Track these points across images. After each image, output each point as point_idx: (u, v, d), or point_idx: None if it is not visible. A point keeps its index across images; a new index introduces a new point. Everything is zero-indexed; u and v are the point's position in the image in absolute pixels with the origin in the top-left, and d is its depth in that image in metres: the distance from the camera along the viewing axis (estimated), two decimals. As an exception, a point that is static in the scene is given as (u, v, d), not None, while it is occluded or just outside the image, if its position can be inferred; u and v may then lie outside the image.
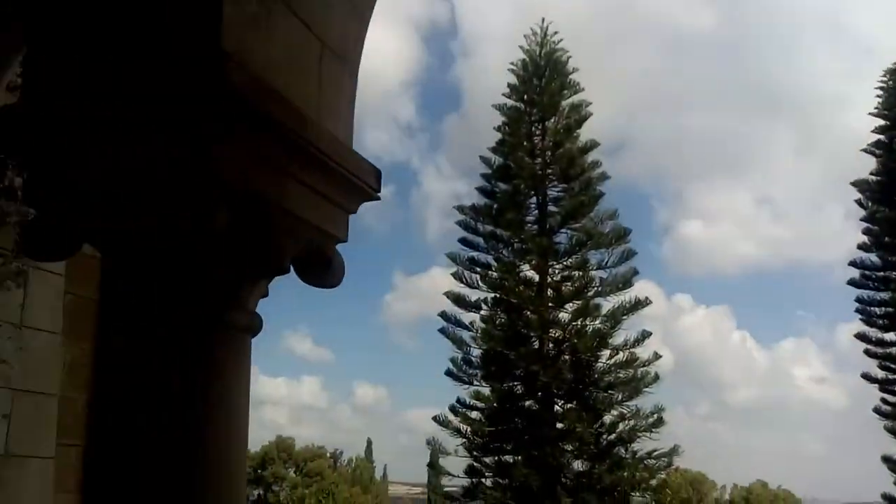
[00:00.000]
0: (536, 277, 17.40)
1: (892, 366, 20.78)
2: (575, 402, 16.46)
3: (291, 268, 2.52)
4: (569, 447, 15.78)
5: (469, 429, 16.65)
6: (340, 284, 3.05)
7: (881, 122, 21.67)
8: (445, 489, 19.29)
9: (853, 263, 21.74)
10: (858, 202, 21.62)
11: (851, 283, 21.76)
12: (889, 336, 21.12)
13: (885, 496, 20.85)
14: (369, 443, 73.81)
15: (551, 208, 18.12)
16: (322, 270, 2.67)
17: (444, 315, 17.84)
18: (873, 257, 21.50)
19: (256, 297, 2.46)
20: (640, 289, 17.28)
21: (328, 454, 70.87)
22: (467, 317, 17.81)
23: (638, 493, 15.96)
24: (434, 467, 16.40)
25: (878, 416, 20.83)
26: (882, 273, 21.27)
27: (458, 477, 17.67)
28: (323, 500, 20.67)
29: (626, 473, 15.68)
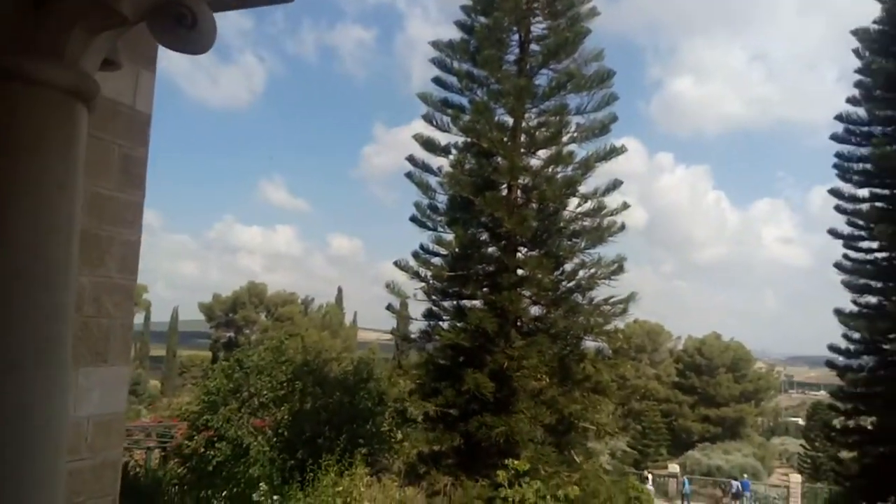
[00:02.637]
0: (511, 121, 16.42)
1: (860, 222, 20.73)
2: (538, 250, 16.07)
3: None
4: (527, 293, 15.56)
5: (429, 273, 16.30)
6: (207, 52, 2.37)
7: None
8: (411, 336, 19.20)
9: (839, 117, 21.17)
10: (856, 51, 20.62)
11: (834, 137, 21.25)
12: (862, 192, 20.96)
13: (831, 347, 21.50)
14: (340, 290, 75.71)
15: (533, 47, 16.88)
16: (182, 28, 2.10)
17: (411, 159, 17.02)
18: (861, 111, 20.85)
19: (93, 55, 2.02)
20: (623, 146, 16.39)
21: (299, 300, 72.52)
22: (436, 161, 17.12)
23: (591, 338, 15.99)
24: (391, 310, 16.11)
25: (838, 270, 21.04)
26: (866, 128, 20.72)
27: (419, 320, 17.58)
28: (286, 339, 20.47)
29: (580, 318, 15.65)
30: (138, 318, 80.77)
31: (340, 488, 11.86)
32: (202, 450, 16.63)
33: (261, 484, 14.14)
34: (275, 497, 12.60)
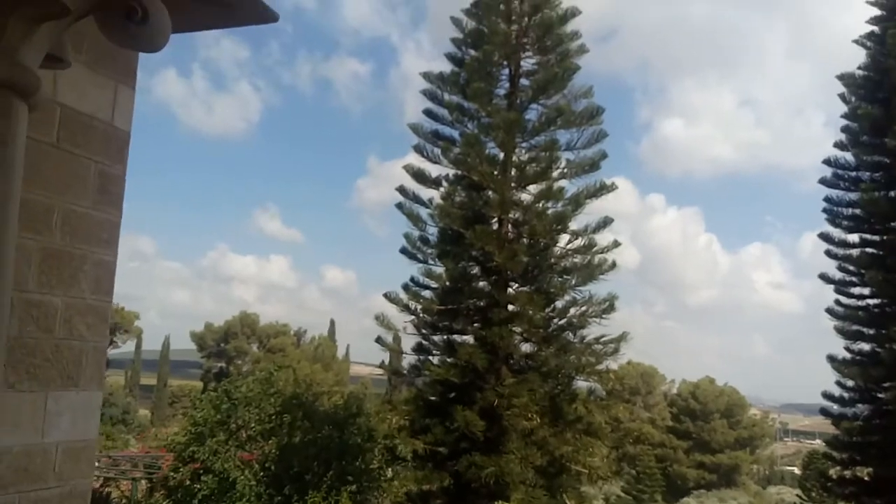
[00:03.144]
0: (501, 155, 16.51)
1: (850, 267, 20.69)
2: (529, 286, 16.02)
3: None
4: (518, 329, 15.47)
5: (419, 306, 16.22)
6: (160, 50, 2.30)
7: (876, 11, 20.46)
8: (401, 370, 19.05)
9: (827, 162, 21.24)
10: (842, 96, 20.80)
11: (822, 181, 21.30)
12: (852, 238, 20.94)
13: (825, 394, 21.28)
14: (332, 323, 75.30)
15: (523, 82, 17.04)
16: (131, 24, 2.00)
17: (401, 189, 17.07)
18: (848, 156, 20.96)
19: (33, 48, 1.90)
20: (613, 184, 16.50)
21: (292, 332, 72.08)
22: (427, 193, 17.15)
23: (583, 377, 15.85)
24: (380, 342, 16.00)
25: (830, 316, 20.92)
26: (854, 173, 20.79)
27: (409, 355, 17.44)
28: (276, 371, 20.23)
29: (572, 357, 15.53)
30: (129, 346, 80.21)
31: (324, 525, 11.61)
32: (188, 482, 16.34)
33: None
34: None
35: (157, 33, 1.99)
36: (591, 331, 16.02)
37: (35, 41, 1.85)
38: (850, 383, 20.71)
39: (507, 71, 17.09)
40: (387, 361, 19.25)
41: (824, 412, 21.94)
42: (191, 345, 74.72)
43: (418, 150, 16.83)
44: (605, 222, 16.24)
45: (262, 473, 16.63)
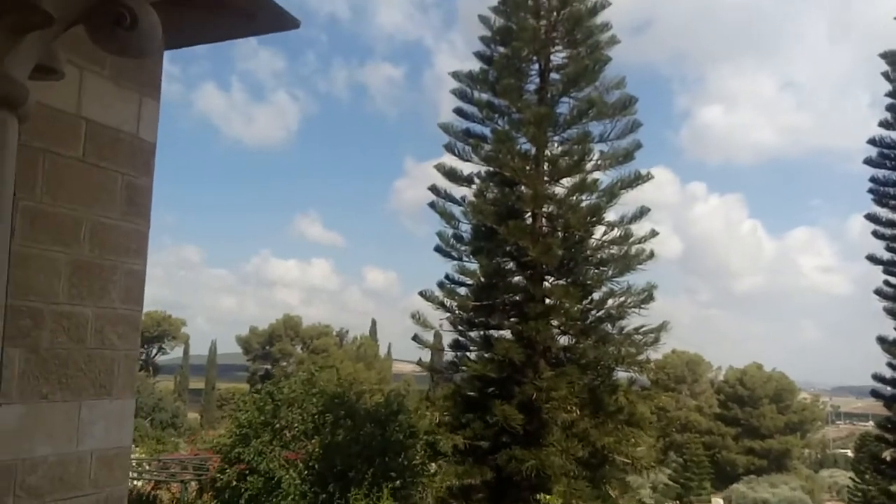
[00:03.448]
0: (533, 150, 16.39)
1: (899, 247, 20.15)
2: (564, 279, 15.91)
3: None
4: (555, 322, 15.37)
5: (454, 303, 16.23)
6: (152, 55, 2.29)
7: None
8: (439, 367, 19.08)
9: (871, 141, 20.70)
10: (885, 75, 20.24)
11: (867, 161, 20.76)
12: (899, 217, 20.38)
13: (876, 376, 20.81)
14: (374, 322, 75.83)
15: (553, 76, 16.88)
16: (120, 30, 1.99)
17: (434, 189, 17.07)
18: (894, 135, 20.37)
19: (19, 58, 1.85)
20: (648, 173, 16.25)
21: (334, 332, 72.83)
22: (459, 191, 17.12)
23: (623, 368, 15.69)
24: (417, 340, 16.07)
25: (878, 297, 20.45)
26: (900, 152, 20.20)
27: (447, 351, 17.48)
28: (318, 371, 20.52)
29: (611, 349, 15.38)
30: (177, 352, 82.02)
31: (366, 522, 11.71)
32: (234, 483, 16.64)
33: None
34: (302, 531, 12.52)
35: (146, 39, 1.98)
36: (631, 321, 15.86)
37: (20, 51, 1.83)
38: (902, 365, 20.22)
39: (536, 66, 16.95)
40: (426, 359, 19.30)
41: (876, 394, 21.45)
42: (237, 349, 76.06)
43: (449, 148, 16.80)
44: (642, 212, 16.03)
45: (306, 472, 16.86)
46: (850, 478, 45.34)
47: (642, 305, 15.39)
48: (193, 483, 21.28)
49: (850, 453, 59.25)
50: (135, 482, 22.03)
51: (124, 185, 3.91)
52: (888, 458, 21.86)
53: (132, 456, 31.51)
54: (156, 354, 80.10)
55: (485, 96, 16.82)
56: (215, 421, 59.13)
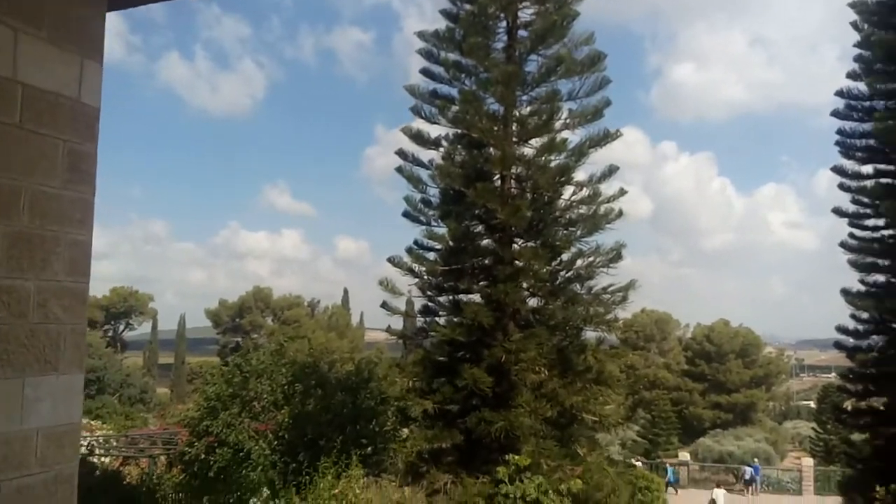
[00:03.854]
0: (501, 110, 16.08)
1: (865, 199, 20.29)
2: (533, 241, 15.76)
3: None
4: (524, 285, 15.26)
5: (423, 269, 16.01)
6: None
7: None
8: (408, 333, 18.91)
9: (839, 93, 20.69)
10: (854, 24, 20.13)
11: (835, 113, 20.78)
12: (866, 169, 20.52)
13: (839, 328, 21.11)
14: (346, 291, 75.51)
15: (521, 33, 16.54)
16: None
17: (401, 152, 16.71)
18: (861, 86, 20.38)
19: None
20: (617, 131, 16.03)
21: (305, 303, 72.41)
22: (427, 154, 16.85)
23: (592, 328, 15.68)
24: (386, 307, 15.85)
25: (844, 250, 20.63)
26: (868, 102, 20.23)
27: (416, 317, 17.33)
28: (287, 341, 20.22)
29: (580, 309, 15.35)
30: (146, 328, 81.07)
31: (336, 491, 11.59)
32: (203, 456, 16.43)
33: (263, 489, 13.93)
34: (272, 501, 12.37)
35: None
36: (600, 281, 15.89)
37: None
38: (865, 315, 20.53)
39: (504, 24, 16.61)
40: (396, 325, 19.16)
41: (839, 346, 21.80)
42: (207, 322, 75.35)
43: (416, 111, 16.47)
44: (611, 171, 15.93)
45: (276, 443, 16.70)
46: (813, 428, 46.69)
47: (611, 265, 15.39)
48: (162, 458, 21.06)
49: (812, 405, 60.92)
50: (102, 459, 21.74)
51: (66, 151, 3.68)
52: (849, 408, 22.34)
53: (99, 433, 31.14)
54: (123, 330, 79.01)
55: (452, 56, 16.46)
56: (186, 395, 58.72)
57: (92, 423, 33.66)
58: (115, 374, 54.47)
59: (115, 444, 26.66)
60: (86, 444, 24.06)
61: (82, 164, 3.77)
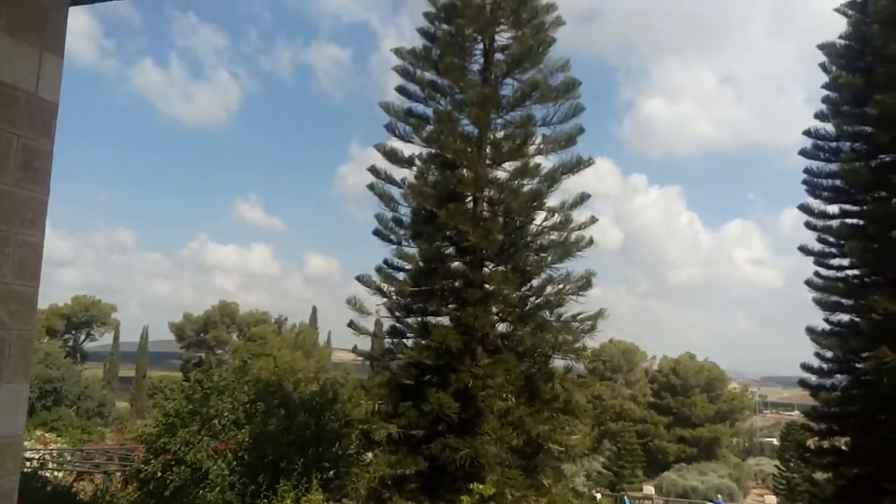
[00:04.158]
0: (475, 132, 16.04)
1: (830, 238, 20.58)
2: (504, 265, 15.68)
3: None
4: (494, 309, 15.13)
5: (392, 289, 15.83)
6: None
7: (859, -21, 20.16)
8: (375, 354, 18.62)
9: (807, 133, 21.04)
10: (823, 66, 20.59)
11: (803, 153, 21.13)
12: (832, 209, 20.83)
13: (804, 366, 21.27)
14: (314, 310, 74.84)
15: (498, 56, 16.55)
16: None
17: (373, 169, 16.57)
18: (829, 127, 20.75)
19: None
20: (590, 158, 16.07)
21: (272, 320, 71.59)
22: (400, 173, 16.66)
23: (560, 356, 15.58)
24: (353, 327, 15.62)
25: (809, 288, 20.86)
26: (834, 143, 20.61)
27: (384, 338, 17.10)
28: (251, 359, 19.89)
29: (549, 336, 15.25)
30: (107, 339, 79.40)
31: (295, 514, 11.28)
32: (159, 474, 15.97)
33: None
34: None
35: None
36: (569, 308, 15.76)
37: None
38: (829, 354, 20.69)
39: (481, 46, 16.59)
40: (364, 346, 18.88)
41: (803, 384, 21.92)
42: (170, 336, 74.09)
43: (391, 128, 16.34)
44: (583, 198, 15.91)
45: (235, 463, 16.30)
46: (776, 465, 46.94)
47: (580, 292, 15.31)
48: (118, 474, 20.47)
49: (776, 442, 61.32)
50: (55, 473, 21.05)
51: (20, 147, 3.51)
52: (812, 447, 22.42)
53: (53, 446, 30.26)
54: (84, 340, 77.36)
55: (428, 75, 16.40)
56: (146, 410, 57.38)
57: (46, 435, 32.71)
58: (73, 385, 53.13)
59: (69, 458, 25.91)
60: (38, 457, 23.33)
61: (37, 162, 3.58)
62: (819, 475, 24.29)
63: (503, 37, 16.54)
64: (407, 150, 16.54)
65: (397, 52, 16.70)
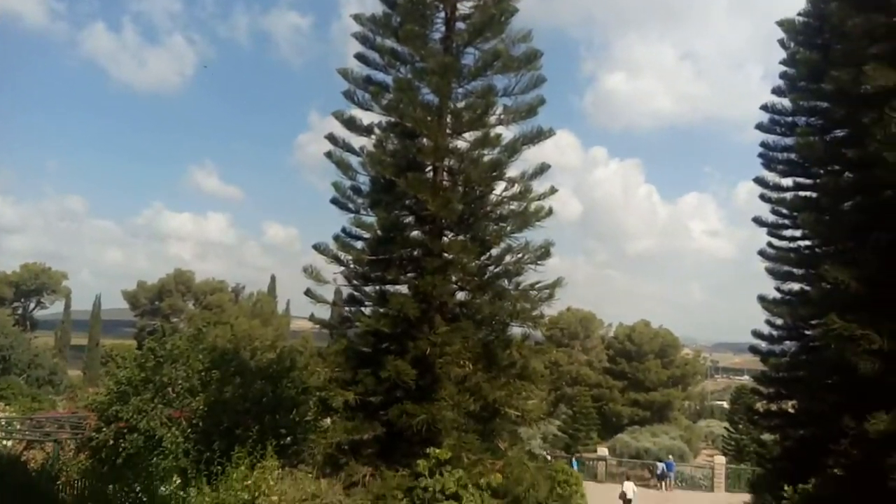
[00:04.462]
0: (436, 101, 15.81)
1: (784, 210, 21.02)
2: (463, 234, 15.66)
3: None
4: (453, 278, 15.12)
5: (349, 257, 15.69)
6: None
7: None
8: (332, 322, 18.52)
9: (764, 107, 21.35)
10: (781, 42, 20.80)
11: (759, 127, 21.43)
12: (786, 182, 21.25)
13: (755, 333, 21.85)
14: (273, 279, 74.20)
15: (459, 25, 16.29)
16: None
17: (331, 137, 16.29)
18: (786, 102, 21.05)
19: None
20: (550, 129, 15.99)
21: (229, 288, 70.77)
22: (358, 141, 16.42)
23: (518, 323, 15.71)
24: (310, 295, 15.50)
25: (762, 258, 21.32)
26: (791, 118, 20.93)
27: (342, 307, 17.00)
28: (205, 326, 19.61)
29: (507, 304, 15.33)
30: (58, 307, 77.57)
31: (249, 482, 11.23)
32: (111, 442, 15.76)
33: (174, 477, 13.42)
34: (181, 493, 11.92)
35: None
36: (527, 277, 15.84)
37: None
38: (779, 322, 21.25)
39: (442, 14, 16.28)
40: (324, 315, 18.75)
41: (754, 350, 22.55)
42: (124, 304, 72.79)
43: (349, 96, 16.04)
44: (542, 168, 15.90)
45: (189, 430, 16.14)
46: (726, 428, 48.42)
47: (539, 261, 15.38)
48: (70, 443, 20.13)
49: (726, 405, 63.22)
50: (3, 442, 20.60)
51: None
52: (761, 410, 23.08)
53: (2, 415, 29.55)
54: (34, 308, 75.56)
55: (388, 42, 16.07)
56: (99, 378, 56.49)
57: (-6, 404, 32.04)
58: (23, 353, 51.97)
59: (18, 426, 25.40)
60: (-14, 426, 22.84)
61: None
62: (766, 437, 25.06)
63: (465, 5, 16.26)
64: (366, 118, 16.31)
65: (357, 17, 16.32)
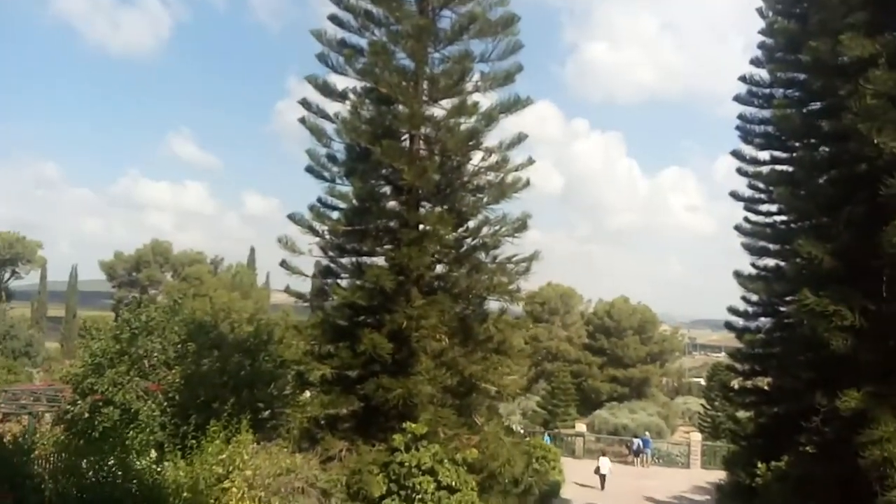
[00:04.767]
0: (412, 66, 15.48)
1: (760, 185, 20.97)
2: (440, 205, 15.48)
3: None
4: (429, 250, 14.97)
5: (325, 228, 15.47)
6: None
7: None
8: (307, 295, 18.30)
9: (742, 78, 21.16)
10: (759, 11, 20.57)
11: (737, 98, 21.28)
12: (763, 155, 21.14)
13: (731, 309, 21.93)
14: (252, 250, 73.45)
15: (436, -13, 15.89)
16: None
17: (304, 102, 15.94)
18: (764, 73, 20.87)
19: None
20: (528, 97, 15.72)
21: (209, 260, 70.06)
22: (333, 107, 16.06)
23: (494, 297, 15.63)
24: (286, 266, 15.31)
25: (738, 233, 21.29)
26: (768, 90, 20.77)
27: (318, 279, 16.83)
28: (182, 298, 19.39)
29: (484, 277, 15.24)
30: (33, 277, 76.57)
31: (224, 456, 11.13)
32: (87, 415, 15.60)
33: (150, 451, 13.29)
34: (156, 466, 11.80)
35: None
36: (504, 250, 15.72)
37: None
38: (755, 298, 21.29)
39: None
40: (304, 287, 18.54)
41: (729, 326, 22.62)
42: (101, 275, 71.89)
43: (323, 59, 15.64)
44: (520, 138, 15.72)
45: (165, 403, 16.02)
46: (702, 405, 48.95)
47: (516, 234, 15.27)
48: (48, 416, 19.94)
49: (702, 382, 63.91)
50: (-24, 414, 20.36)
51: None
52: (736, 387, 23.27)
53: (-26, 386, 29.03)
54: (9, 279, 74.50)
55: (362, 3, 15.61)
56: (76, 350, 56.00)
57: (-32, 376, 31.63)
58: (-2, 324, 51.33)
59: (-7, 399, 25.10)
60: (-42, 398, 22.54)
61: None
62: (741, 414, 25.29)
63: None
64: (341, 83, 15.96)
65: None
